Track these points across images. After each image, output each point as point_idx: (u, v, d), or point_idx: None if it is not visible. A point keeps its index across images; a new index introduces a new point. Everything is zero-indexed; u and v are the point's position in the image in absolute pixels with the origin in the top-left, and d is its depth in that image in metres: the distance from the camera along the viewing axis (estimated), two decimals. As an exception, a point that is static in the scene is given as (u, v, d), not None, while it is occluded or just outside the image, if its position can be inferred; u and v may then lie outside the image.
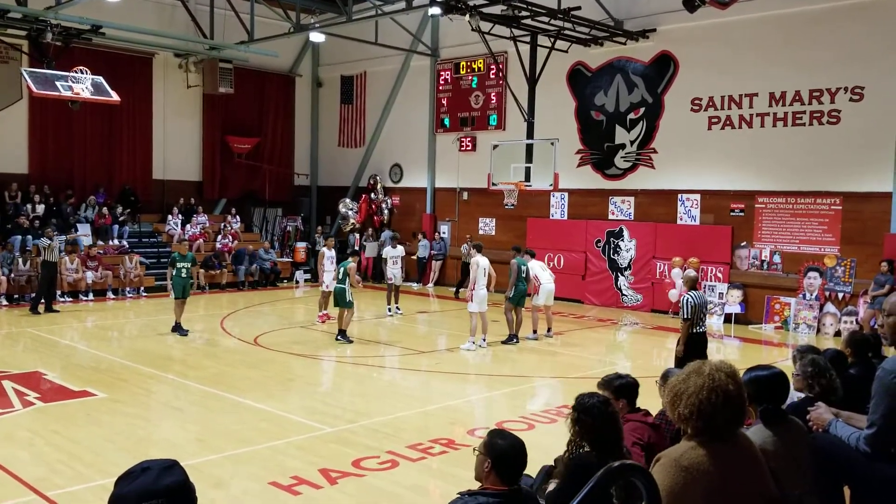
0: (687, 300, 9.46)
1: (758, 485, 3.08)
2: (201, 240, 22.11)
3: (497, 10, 17.02)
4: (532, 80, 18.22)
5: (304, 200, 26.67)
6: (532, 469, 4.72)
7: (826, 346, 7.78)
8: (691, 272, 11.30)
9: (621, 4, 18.46)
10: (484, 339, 13.58)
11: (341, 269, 14.03)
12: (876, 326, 6.38)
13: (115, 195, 22.00)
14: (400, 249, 18.16)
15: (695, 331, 9.48)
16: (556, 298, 14.69)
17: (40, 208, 19.96)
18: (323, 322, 15.72)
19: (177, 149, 23.54)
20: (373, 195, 24.35)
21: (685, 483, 2.89)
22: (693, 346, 9.31)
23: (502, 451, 3.44)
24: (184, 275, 14.00)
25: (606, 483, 2.20)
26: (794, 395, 4.87)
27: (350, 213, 23.58)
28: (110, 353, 12.37)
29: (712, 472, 2.91)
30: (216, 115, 24.13)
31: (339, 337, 13.77)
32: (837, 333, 15.24)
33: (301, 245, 23.98)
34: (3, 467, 7.01)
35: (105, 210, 20.85)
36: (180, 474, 2.01)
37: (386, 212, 24.22)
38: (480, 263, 13.51)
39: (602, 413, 3.91)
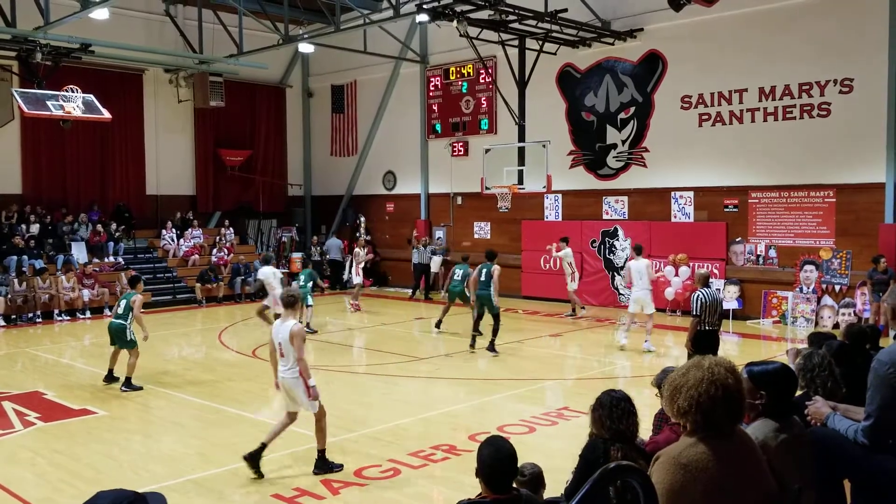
0: (697, 297, 9.50)
1: (757, 481, 3.09)
2: (196, 254, 22.09)
3: (484, 15, 17.05)
4: (522, 84, 18.24)
5: (298, 211, 26.67)
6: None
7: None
8: (703, 270, 11.29)
9: (608, 5, 18.51)
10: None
11: (122, 303, 11.10)
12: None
13: (109, 212, 21.97)
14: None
15: (704, 328, 9.46)
16: (556, 299, 14.81)
17: (35, 228, 19.92)
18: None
19: (169, 163, 23.53)
20: (357, 234, 23.83)
21: (684, 481, 2.89)
22: (702, 343, 9.20)
23: (482, 460, 3.49)
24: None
25: (603, 483, 2.21)
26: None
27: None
28: (109, 371, 12.32)
29: (711, 470, 2.91)
30: (208, 129, 24.13)
31: (123, 387, 10.80)
32: (836, 326, 15.26)
33: (296, 255, 23.96)
34: (6, 488, 7.01)
35: (100, 227, 20.83)
36: None
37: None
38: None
39: (612, 406, 4.22)
